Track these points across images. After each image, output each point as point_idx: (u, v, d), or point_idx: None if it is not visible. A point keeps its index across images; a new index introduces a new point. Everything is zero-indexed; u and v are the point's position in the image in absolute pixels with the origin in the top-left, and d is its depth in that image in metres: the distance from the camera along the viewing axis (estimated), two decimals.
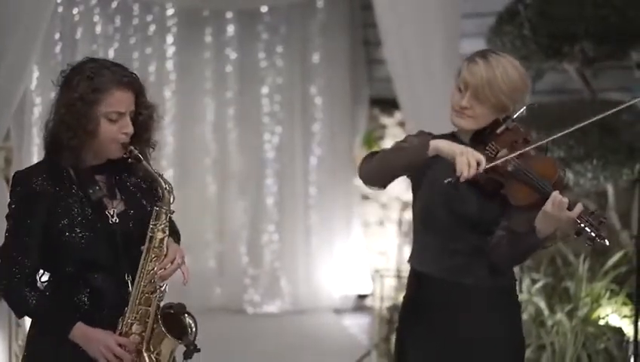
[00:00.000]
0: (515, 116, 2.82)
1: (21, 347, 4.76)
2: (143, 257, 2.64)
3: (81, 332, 2.63)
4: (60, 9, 6.76)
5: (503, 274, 2.91)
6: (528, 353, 4.94)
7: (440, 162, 2.80)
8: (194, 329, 2.69)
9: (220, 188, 7.71)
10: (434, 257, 2.92)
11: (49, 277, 2.72)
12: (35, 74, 6.63)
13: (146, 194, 2.77)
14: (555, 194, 2.65)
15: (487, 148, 2.80)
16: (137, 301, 2.64)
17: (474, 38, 5.69)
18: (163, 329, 2.65)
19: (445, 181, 2.69)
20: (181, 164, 7.57)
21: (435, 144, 2.75)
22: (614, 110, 2.94)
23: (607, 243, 2.62)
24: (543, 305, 4.98)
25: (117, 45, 7.26)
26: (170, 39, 7.54)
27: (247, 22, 7.65)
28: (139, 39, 7.40)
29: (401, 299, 5.41)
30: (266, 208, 7.75)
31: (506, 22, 5.43)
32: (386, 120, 7.84)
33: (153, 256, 2.64)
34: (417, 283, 2.99)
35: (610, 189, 5.48)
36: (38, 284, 2.70)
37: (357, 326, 7.14)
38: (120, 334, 2.65)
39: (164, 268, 2.65)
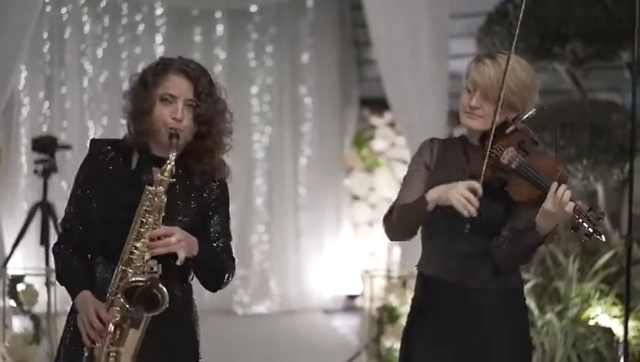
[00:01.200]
0: (524, 117, 2.84)
1: (8, 348, 4.74)
2: (134, 220, 2.60)
3: (82, 299, 2.65)
4: (49, 8, 6.74)
5: (510, 275, 2.90)
6: None
7: (446, 162, 2.84)
8: (163, 304, 2.53)
9: None
10: (440, 260, 2.91)
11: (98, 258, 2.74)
12: (23, 74, 6.62)
13: (195, 208, 2.72)
14: (555, 187, 2.66)
15: (493, 147, 2.81)
16: (121, 267, 2.60)
17: (463, 39, 5.69)
18: (122, 298, 2.54)
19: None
20: None
21: (431, 198, 2.77)
22: None
23: (604, 238, 2.65)
24: (533, 305, 4.97)
25: (106, 45, 7.25)
26: (159, 39, 7.52)
27: (236, 21, 7.64)
28: (128, 39, 7.38)
29: (390, 299, 5.38)
30: (256, 208, 7.74)
31: (496, 22, 5.43)
32: (375, 120, 7.83)
33: (146, 221, 2.59)
34: (424, 286, 2.98)
35: (600, 189, 5.48)
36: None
37: (347, 326, 7.13)
38: (108, 305, 2.60)
39: (155, 238, 2.58)
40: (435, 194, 2.76)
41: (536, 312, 4.96)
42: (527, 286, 5.11)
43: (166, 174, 2.60)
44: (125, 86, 2.80)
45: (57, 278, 2.81)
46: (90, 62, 7.26)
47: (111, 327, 2.55)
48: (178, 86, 2.67)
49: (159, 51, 7.51)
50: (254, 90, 7.72)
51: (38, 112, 7.05)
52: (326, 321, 7.40)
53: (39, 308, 4.92)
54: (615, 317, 4.97)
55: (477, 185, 2.70)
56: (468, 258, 2.87)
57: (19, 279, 4.85)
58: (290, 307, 7.62)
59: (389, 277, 6.83)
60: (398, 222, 2.90)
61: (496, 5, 5.53)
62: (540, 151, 2.84)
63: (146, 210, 2.60)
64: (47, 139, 6.02)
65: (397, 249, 7.02)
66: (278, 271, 7.69)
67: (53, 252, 2.80)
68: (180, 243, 2.59)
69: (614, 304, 5.02)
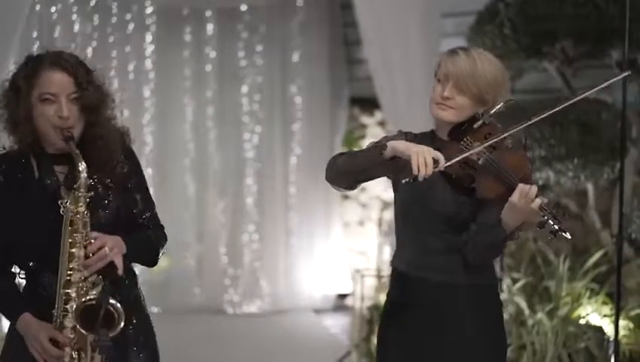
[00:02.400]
0: (492, 111, 2.83)
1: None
2: (62, 243, 2.52)
3: (24, 323, 2.57)
4: (38, 7, 6.70)
5: (483, 272, 2.90)
6: (509, 352, 4.93)
7: (402, 174, 2.79)
8: (118, 323, 2.49)
9: (200, 188, 7.68)
10: (412, 255, 2.92)
11: (23, 273, 2.67)
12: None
13: (113, 196, 2.67)
14: (522, 185, 2.66)
15: (462, 142, 2.81)
16: (62, 291, 2.52)
17: (454, 38, 5.67)
18: (73, 321, 2.50)
19: (403, 181, 2.69)
20: (160, 163, 7.53)
21: (391, 145, 2.72)
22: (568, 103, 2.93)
23: (569, 236, 2.63)
24: (523, 304, 4.97)
25: (95, 44, 7.22)
26: (149, 38, 7.51)
27: (226, 20, 7.63)
28: (118, 38, 7.36)
29: (381, 298, 5.39)
30: (246, 208, 7.72)
31: (487, 21, 5.43)
32: (366, 119, 7.83)
33: (74, 241, 2.52)
34: (396, 281, 2.98)
35: (590, 188, 5.48)
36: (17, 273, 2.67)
37: (337, 326, 7.13)
38: (55, 326, 2.53)
39: (90, 255, 2.51)
40: (399, 144, 2.71)
41: (526, 311, 4.96)
42: (517, 286, 5.12)
43: (82, 190, 2.53)
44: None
45: None
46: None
47: (73, 353, 2.51)
48: (56, 82, 2.54)
49: (149, 50, 7.49)
50: (244, 89, 7.71)
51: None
52: (317, 321, 7.39)
53: None
54: (605, 316, 4.98)
55: (442, 159, 2.66)
56: (439, 254, 2.87)
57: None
58: (280, 306, 7.61)
59: (379, 277, 6.84)
60: (345, 162, 2.85)
61: (487, 4, 5.53)
62: (509, 146, 2.81)
63: (72, 230, 2.52)
64: None
65: (387, 248, 7.02)
66: (268, 271, 7.68)
67: None
68: (114, 250, 2.53)
69: (605, 303, 5.02)
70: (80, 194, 2.52)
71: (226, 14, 7.62)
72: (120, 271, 2.54)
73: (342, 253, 7.77)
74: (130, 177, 2.71)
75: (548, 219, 2.63)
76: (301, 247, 7.73)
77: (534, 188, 2.65)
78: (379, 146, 2.76)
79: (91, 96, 2.58)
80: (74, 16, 7.06)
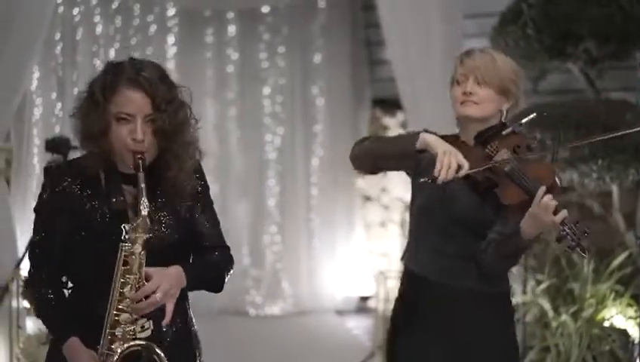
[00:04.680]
0: (524, 121, 2.82)
1: (22, 349, 4.74)
2: (113, 280, 2.40)
3: (71, 349, 2.46)
4: (61, 9, 6.74)
5: (496, 279, 2.88)
6: (532, 354, 4.91)
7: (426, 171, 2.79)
8: None
9: (222, 189, 7.68)
10: (427, 258, 2.90)
11: (72, 285, 2.57)
12: (36, 75, 6.61)
13: (179, 219, 2.54)
14: (542, 194, 2.63)
15: (488, 147, 2.79)
16: (109, 329, 2.41)
17: (477, 39, 5.65)
18: None
19: (421, 180, 2.67)
20: None
21: (424, 137, 2.72)
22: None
23: (586, 255, 2.62)
24: (547, 306, 4.95)
25: (118, 46, 7.24)
26: (171, 39, 7.52)
27: (248, 22, 7.63)
28: (140, 40, 7.38)
29: None
30: (268, 209, 7.73)
31: (510, 22, 5.40)
32: (388, 120, 7.81)
33: (126, 281, 2.39)
34: (410, 282, 2.96)
35: (615, 190, 5.44)
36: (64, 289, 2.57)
37: (360, 327, 7.11)
38: None
39: (141, 300, 2.38)
40: (432, 139, 2.71)
41: (550, 313, 4.93)
42: (541, 287, 5.09)
43: (140, 231, 2.38)
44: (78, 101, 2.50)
45: (37, 316, 2.61)
46: (102, 63, 7.22)
47: None
48: (133, 102, 2.40)
49: (171, 52, 7.51)
50: (266, 90, 7.71)
51: (50, 113, 7.05)
52: (339, 322, 7.38)
53: None
54: (630, 318, 4.95)
55: (466, 166, 2.65)
56: (456, 259, 2.85)
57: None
58: (302, 308, 7.61)
59: None
60: (374, 144, 2.84)
61: (510, 5, 5.50)
62: (536, 157, 2.81)
63: (125, 270, 2.39)
64: (61, 139, 6.01)
65: None
66: (290, 272, 7.68)
67: (28, 292, 2.59)
68: (167, 295, 2.41)
69: (629, 305, 4.99)
70: (138, 235, 2.38)
71: (247, 16, 7.63)
72: (167, 320, 2.42)
73: (364, 255, 7.76)
74: (198, 198, 2.59)
75: (567, 235, 2.61)
76: (323, 249, 7.72)
77: (554, 202, 2.61)
78: (412, 135, 2.76)
79: (168, 119, 2.42)
80: (96, 18, 7.09)
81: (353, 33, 7.75)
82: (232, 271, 2.69)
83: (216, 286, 2.67)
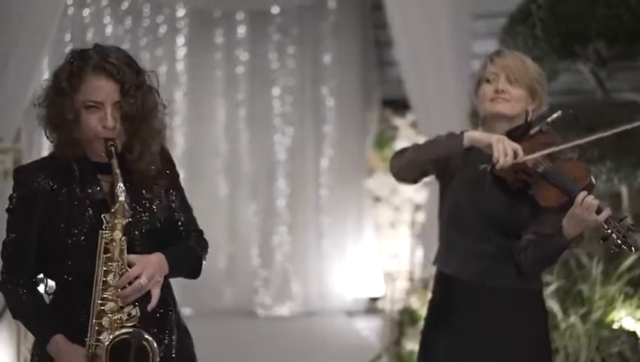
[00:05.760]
0: (550, 120, 2.83)
1: (30, 350, 4.75)
2: (96, 269, 2.37)
3: (56, 347, 2.42)
4: (71, 10, 6.76)
5: (531, 277, 2.89)
6: None
7: (470, 162, 2.82)
8: (153, 360, 2.37)
9: (231, 190, 7.70)
10: (461, 259, 2.90)
11: (53, 282, 2.54)
12: (47, 75, 6.63)
13: (153, 205, 2.52)
14: (583, 194, 2.63)
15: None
16: (95, 320, 2.38)
17: (485, 39, 5.65)
18: (107, 359, 2.36)
19: (481, 167, 2.70)
20: (192, 165, 7.55)
21: (470, 134, 2.77)
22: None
23: (633, 250, 2.62)
24: (556, 308, 4.93)
25: (127, 46, 7.24)
26: (180, 40, 7.54)
27: (258, 23, 7.64)
28: (149, 40, 7.41)
29: (411, 301, 5.35)
30: (277, 210, 7.73)
31: (519, 22, 5.39)
32: (397, 121, 7.80)
33: (109, 269, 2.37)
34: (443, 285, 2.97)
35: (624, 191, 5.43)
36: (40, 288, 2.54)
37: (369, 328, 7.10)
38: (87, 356, 2.39)
39: (125, 286, 2.37)
40: (478, 133, 2.76)
41: (559, 315, 4.91)
42: (550, 289, 5.07)
43: (119, 216, 2.37)
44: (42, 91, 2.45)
45: (15, 318, 2.58)
46: None
47: None
48: (101, 89, 2.37)
49: (181, 53, 7.53)
50: (276, 91, 7.72)
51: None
52: (348, 323, 7.38)
53: None
54: (639, 320, 4.93)
55: (521, 151, 2.69)
56: (491, 259, 2.86)
57: (40, 280, 4.85)
58: (311, 308, 7.61)
59: (411, 279, 6.81)
60: (418, 151, 2.86)
61: (519, 5, 5.49)
62: (569, 156, 2.82)
63: (107, 258, 2.37)
64: None
65: (420, 251, 7.00)
66: (299, 273, 7.68)
67: (2, 292, 2.54)
68: (152, 279, 2.41)
69: (639, 307, 4.97)
70: (117, 220, 2.37)
71: (257, 16, 7.63)
72: (153, 304, 2.41)
73: (373, 256, 7.75)
74: (168, 184, 2.58)
75: (612, 233, 2.60)
76: (333, 249, 7.72)
77: (596, 201, 2.63)
78: (454, 135, 2.79)
79: (135, 105, 2.40)
80: (106, 19, 7.12)
81: (363, 34, 7.75)
82: (206, 256, 2.66)
83: (195, 272, 2.64)
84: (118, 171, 2.37)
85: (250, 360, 6.20)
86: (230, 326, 6.95)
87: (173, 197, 2.60)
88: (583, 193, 2.64)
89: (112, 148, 2.38)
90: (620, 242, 2.59)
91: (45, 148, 6.90)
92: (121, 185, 2.37)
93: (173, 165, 2.64)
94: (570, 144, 2.81)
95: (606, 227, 2.61)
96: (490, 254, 2.85)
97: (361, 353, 6.17)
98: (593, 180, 2.76)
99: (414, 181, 2.93)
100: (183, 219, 2.61)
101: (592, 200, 2.62)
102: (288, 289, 7.65)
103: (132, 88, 2.40)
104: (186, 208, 2.64)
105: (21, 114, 5.29)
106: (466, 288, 2.88)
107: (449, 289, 2.93)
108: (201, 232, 2.68)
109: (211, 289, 7.28)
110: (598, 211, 2.62)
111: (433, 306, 3.00)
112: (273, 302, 7.61)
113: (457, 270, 2.90)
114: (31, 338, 4.91)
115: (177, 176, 2.65)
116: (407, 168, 2.89)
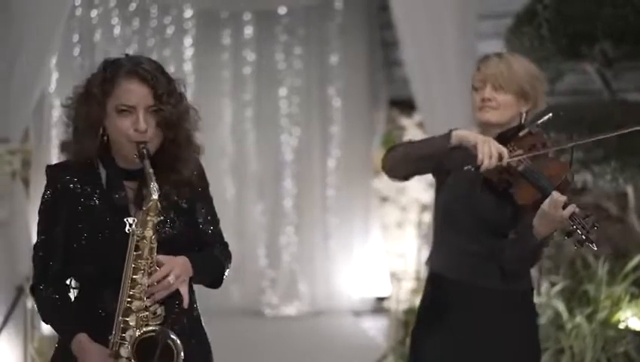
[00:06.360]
0: (540, 121, 2.85)
1: (36, 349, 4.78)
2: (125, 267, 2.38)
3: (79, 346, 2.44)
4: (79, 11, 6.80)
5: (518, 277, 2.90)
6: (547, 356, 4.89)
7: (467, 161, 2.81)
8: (177, 359, 2.38)
9: (238, 190, 7.71)
10: (451, 258, 2.92)
11: (76, 283, 2.56)
12: (55, 76, 6.66)
13: (180, 213, 2.53)
14: (554, 193, 2.64)
15: (506, 147, 2.80)
16: (121, 319, 2.38)
17: (491, 39, 5.65)
18: (129, 353, 2.37)
19: (465, 168, 2.71)
20: None
21: (458, 133, 2.78)
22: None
23: (595, 247, 2.61)
24: (562, 308, 4.93)
25: (135, 47, 7.29)
26: (188, 41, 7.56)
27: (265, 23, 7.66)
28: (157, 41, 7.44)
29: (417, 301, 5.36)
30: (284, 210, 7.75)
31: (525, 22, 5.38)
32: (404, 121, 7.81)
33: (138, 267, 2.38)
34: (434, 284, 2.99)
35: (630, 191, 5.42)
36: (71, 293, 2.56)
37: (375, 328, 7.11)
38: (111, 356, 2.39)
39: (154, 284, 2.38)
40: (465, 133, 2.78)
41: (565, 315, 4.91)
42: (556, 289, 5.07)
43: (151, 214, 2.37)
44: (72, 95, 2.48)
45: (44, 321, 2.60)
46: None
47: None
48: (133, 92, 2.39)
49: (188, 54, 7.55)
50: (283, 91, 7.73)
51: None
52: (355, 323, 7.39)
53: None
54: None
55: (506, 154, 2.72)
56: (478, 258, 2.87)
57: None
58: (318, 308, 7.62)
59: (418, 279, 6.82)
60: (408, 149, 2.89)
61: (525, 5, 5.49)
62: (550, 155, 2.83)
63: (137, 255, 2.38)
64: None
65: (426, 250, 7.00)
66: (306, 273, 7.70)
67: (32, 294, 2.57)
68: (180, 278, 2.42)
69: None
70: (149, 218, 2.37)
71: (264, 17, 7.65)
72: (185, 304, 2.43)
73: (380, 256, 7.76)
74: (199, 194, 2.59)
75: (577, 229, 2.61)
76: (339, 249, 7.73)
77: (563, 197, 2.63)
78: (444, 135, 2.80)
79: (171, 110, 2.41)
80: (114, 20, 7.15)
81: (370, 34, 7.76)
82: (229, 268, 2.70)
83: (217, 281, 2.68)
84: (151, 170, 2.37)
85: (257, 359, 6.22)
86: (237, 325, 6.96)
87: (203, 208, 2.61)
88: (554, 191, 2.65)
89: (145, 150, 2.39)
90: (583, 238, 2.60)
91: (54, 148, 6.94)
92: (155, 184, 2.37)
93: (204, 175, 2.66)
94: (556, 148, 2.85)
95: (571, 223, 2.62)
96: (480, 254, 2.87)
97: (367, 352, 6.18)
98: (568, 178, 2.77)
99: (405, 178, 2.95)
100: (209, 230, 2.62)
101: (558, 196, 2.63)
102: (295, 289, 7.66)
103: (165, 94, 2.41)
104: (214, 220, 2.66)
105: (29, 115, 5.31)
106: (455, 287, 2.90)
107: (439, 288, 2.95)
108: (226, 245, 2.70)
109: (218, 289, 7.27)
110: (564, 207, 2.62)
111: (423, 304, 3.01)
112: (280, 301, 7.63)
113: (447, 269, 2.92)
114: (38, 338, 4.95)
115: (207, 186, 2.67)
116: (398, 165, 2.92)
